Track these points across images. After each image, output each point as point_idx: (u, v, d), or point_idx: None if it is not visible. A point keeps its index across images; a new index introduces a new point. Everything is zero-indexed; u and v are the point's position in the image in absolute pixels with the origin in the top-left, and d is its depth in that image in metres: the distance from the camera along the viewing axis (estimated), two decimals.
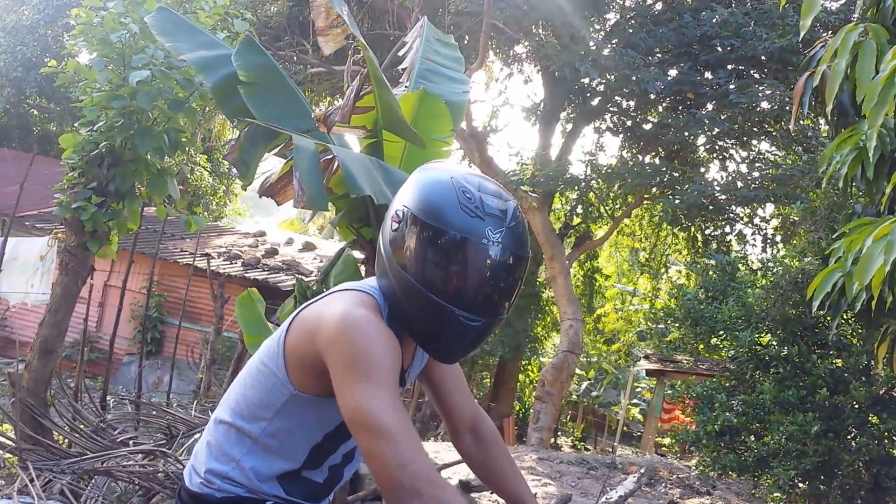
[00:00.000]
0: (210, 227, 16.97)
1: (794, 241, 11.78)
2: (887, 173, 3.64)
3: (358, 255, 5.08)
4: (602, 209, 15.69)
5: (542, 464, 10.15)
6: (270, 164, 4.52)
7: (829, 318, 8.48)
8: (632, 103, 14.22)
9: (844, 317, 8.30)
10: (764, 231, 14.67)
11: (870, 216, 4.06)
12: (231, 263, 14.14)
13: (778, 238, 14.40)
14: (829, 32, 9.98)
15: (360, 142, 4.74)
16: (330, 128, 4.10)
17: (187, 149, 7.79)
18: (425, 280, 1.54)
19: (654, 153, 14.54)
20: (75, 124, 5.84)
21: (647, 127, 14.51)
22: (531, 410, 15.11)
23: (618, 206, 15.63)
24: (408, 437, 1.40)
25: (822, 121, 11.61)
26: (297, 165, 3.51)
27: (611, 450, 16.82)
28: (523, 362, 18.70)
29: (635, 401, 20.86)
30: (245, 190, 19.85)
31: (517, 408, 18.72)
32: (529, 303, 16.53)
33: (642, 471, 6.59)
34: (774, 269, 9.42)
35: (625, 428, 19.42)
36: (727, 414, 8.79)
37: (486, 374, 18.83)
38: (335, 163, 3.86)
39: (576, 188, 14.19)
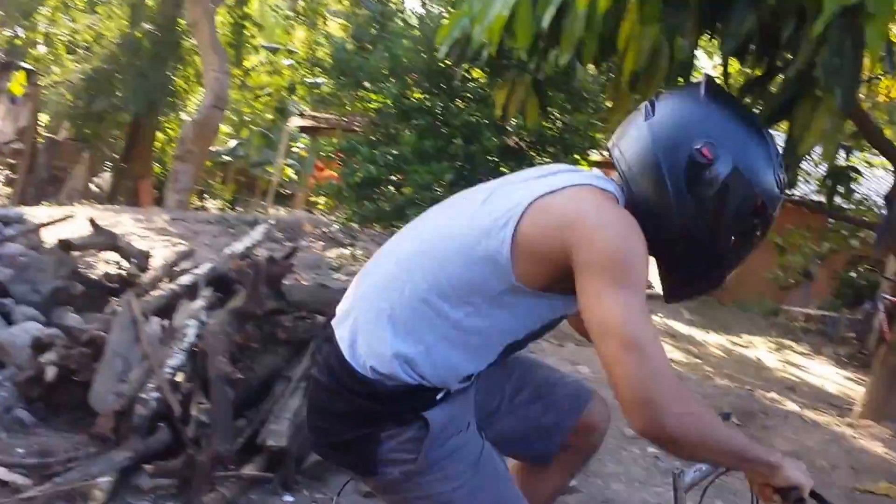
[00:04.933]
0: None
1: None
2: None
3: None
4: None
5: (176, 224, 9.45)
6: None
7: (473, 69, 8.48)
8: None
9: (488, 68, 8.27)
10: None
11: None
12: None
13: None
14: None
15: None
16: None
17: None
18: (699, 227, 1.46)
19: None
20: None
21: None
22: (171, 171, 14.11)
23: None
24: (658, 351, 1.33)
25: None
26: None
27: (263, 210, 16.49)
28: (161, 119, 17.30)
29: (290, 160, 20.55)
30: None
31: (158, 170, 17.50)
32: (167, 51, 14.92)
33: (272, 221, 6.18)
34: (429, 24, 9.11)
35: (280, 188, 19.13)
36: (370, 166, 8.64)
37: (118, 133, 17.19)
38: None
39: None
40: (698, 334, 9.72)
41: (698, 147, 1.43)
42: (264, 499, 3.00)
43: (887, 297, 10.05)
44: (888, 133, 11.69)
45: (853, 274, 12.89)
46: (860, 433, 5.99)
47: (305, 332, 4.11)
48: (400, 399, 1.48)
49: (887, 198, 6.25)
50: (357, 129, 10.77)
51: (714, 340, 9.64)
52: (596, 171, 1.62)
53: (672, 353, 7.77)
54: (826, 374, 9.05)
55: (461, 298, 1.48)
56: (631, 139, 1.51)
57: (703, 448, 1.38)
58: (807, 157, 8.01)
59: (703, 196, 1.45)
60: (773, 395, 7.13)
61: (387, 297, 1.51)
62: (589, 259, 1.38)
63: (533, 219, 1.45)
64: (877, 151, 7.06)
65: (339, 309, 1.60)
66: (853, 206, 11.07)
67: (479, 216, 1.50)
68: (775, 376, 8.54)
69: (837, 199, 7.00)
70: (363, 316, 1.53)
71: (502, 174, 6.21)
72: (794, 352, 10.15)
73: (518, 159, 8.41)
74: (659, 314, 9.50)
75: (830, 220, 9.59)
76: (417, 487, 1.51)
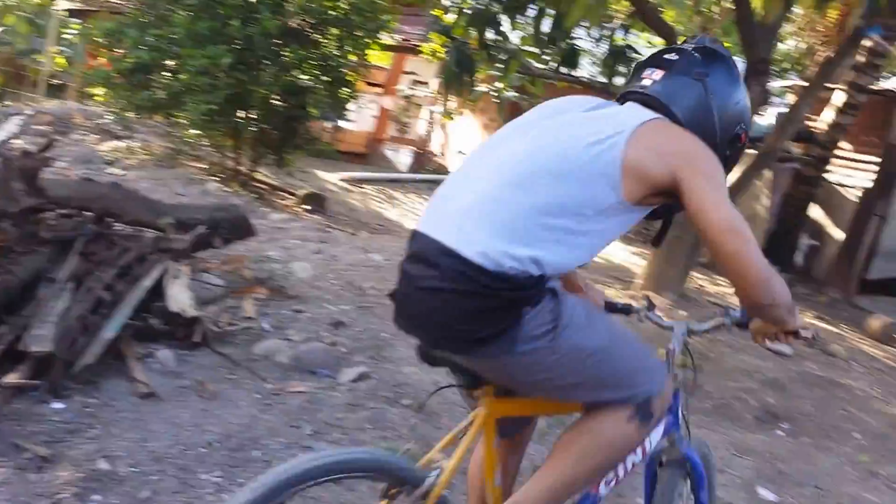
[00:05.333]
0: None
1: None
2: None
3: None
4: None
5: None
6: None
7: None
8: None
9: None
10: None
11: None
12: None
13: None
14: None
15: None
16: None
17: None
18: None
19: None
20: None
21: None
22: None
23: None
24: (754, 239, 1.76)
25: None
26: None
27: (32, 103, 15.11)
28: None
29: (62, 48, 18.82)
30: None
31: None
32: None
33: (28, 112, 5.71)
34: None
35: (52, 79, 17.54)
36: (140, 51, 8.05)
37: None
38: None
39: None
40: None
41: (739, 133, 2.02)
42: (31, 407, 2.87)
43: None
44: (671, 13, 12.30)
45: None
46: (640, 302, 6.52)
47: (72, 229, 3.90)
48: (535, 284, 1.72)
49: None
50: (127, 10, 9.97)
51: None
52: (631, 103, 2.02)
53: None
54: (614, 252, 9.71)
55: (576, 211, 1.78)
56: (689, 103, 1.96)
57: (783, 309, 1.86)
58: (590, 37, 8.31)
59: (732, 146, 2.04)
60: None
61: (505, 210, 1.75)
62: (698, 175, 1.80)
63: (636, 144, 1.81)
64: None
65: (437, 222, 1.79)
66: None
67: (586, 139, 1.82)
68: None
69: (619, 79, 7.33)
70: (485, 227, 1.73)
71: (285, 58, 6.04)
72: None
73: (301, 41, 8.11)
74: None
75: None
76: (559, 348, 1.77)
